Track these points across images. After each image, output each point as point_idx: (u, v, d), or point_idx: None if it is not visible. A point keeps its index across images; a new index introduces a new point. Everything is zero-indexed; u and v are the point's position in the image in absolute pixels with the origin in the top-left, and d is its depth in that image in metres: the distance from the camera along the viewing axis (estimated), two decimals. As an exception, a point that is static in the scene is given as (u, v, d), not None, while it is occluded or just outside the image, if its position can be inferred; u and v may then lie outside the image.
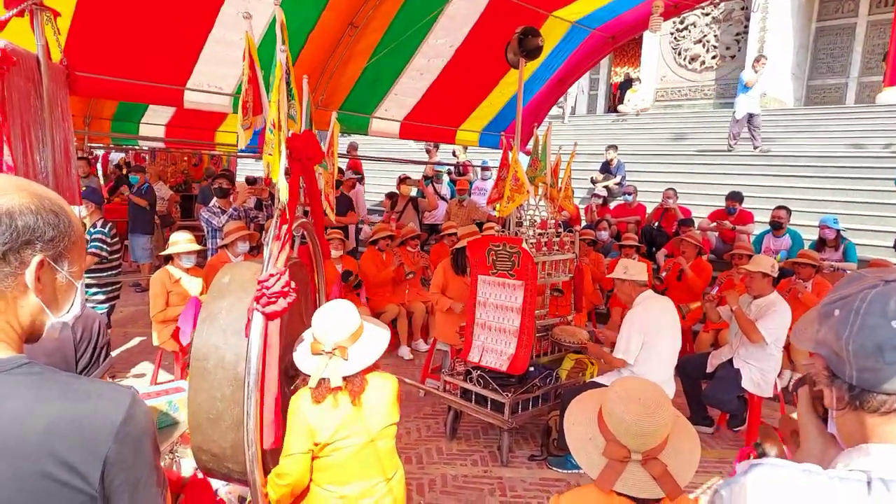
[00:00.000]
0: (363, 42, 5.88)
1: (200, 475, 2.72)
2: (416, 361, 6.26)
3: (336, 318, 2.23)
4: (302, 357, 2.27)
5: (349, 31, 5.72)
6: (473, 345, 4.46)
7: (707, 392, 4.66)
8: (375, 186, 12.18)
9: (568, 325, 4.80)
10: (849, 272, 5.96)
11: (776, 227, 6.88)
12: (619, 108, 16.37)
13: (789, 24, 14.70)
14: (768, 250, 6.82)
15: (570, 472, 4.10)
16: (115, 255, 5.59)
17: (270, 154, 2.38)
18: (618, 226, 8.42)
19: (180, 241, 5.01)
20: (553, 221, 4.82)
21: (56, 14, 2.69)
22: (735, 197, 7.63)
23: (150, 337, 5.30)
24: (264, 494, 2.18)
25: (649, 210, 8.55)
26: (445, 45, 6.26)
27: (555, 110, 12.88)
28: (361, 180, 10.66)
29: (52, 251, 1.00)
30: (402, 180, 9.19)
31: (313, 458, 2.20)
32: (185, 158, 11.35)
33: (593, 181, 10.48)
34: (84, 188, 5.36)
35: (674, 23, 16.62)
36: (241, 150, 10.26)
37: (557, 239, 4.69)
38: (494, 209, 5.82)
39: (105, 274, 5.41)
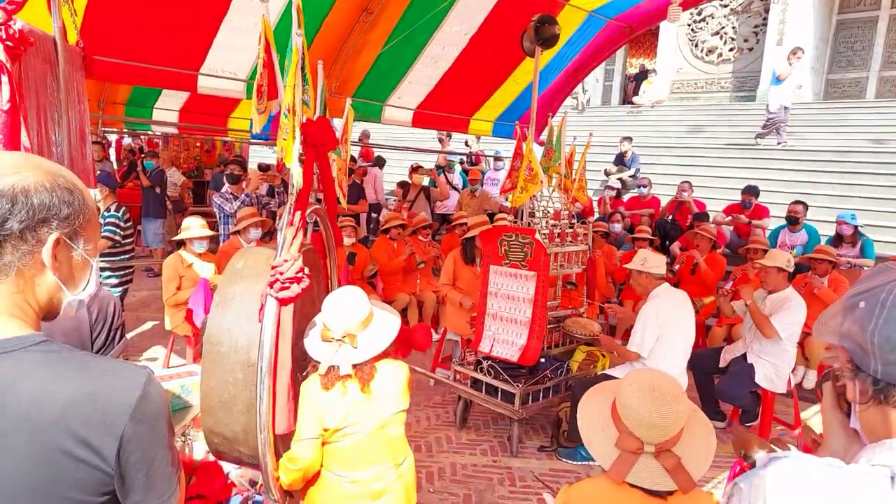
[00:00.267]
0: (377, 29, 5.85)
1: (212, 458, 2.74)
2: (427, 351, 6.26)
3: (346, 305, 2.22)
4: (312, 343, 2.27)
5: (364, 17, 5.69)
6: (484, 335, 4.45)
7: (720, 387, 4.63)
8: (387, 175, 12.14)
9: (580, 316, 4.78)
10: (865, 268, 5.90)
11: (792, 221, 6.80)
12: (635, 99, 16.20)
13: (810, 17, 14.45)
14: (784, 245, 6.74)
15: (580, 463, 4.09)
16: (129, 240, 5.62)
17: (285, 139, 2.37)
18: (631, 218, 8.35)
19: (193, 227, 5.03)
20: (566, 212, 4.79)
21: (73, -4, 2.70)
22: (751, 191, 7.55)
23: (162, 321, 5.34)
24: (276, 479, 2.19)
25: (663, 203, 8.47)
26: (460, 32, 6.21)
27: (568, 100, 12.78)
28: (382, 164, 10.68)
29: (67, 229, 1.00)
30: (415, 169, 9.17)
31: (323, 444, 2.20)
32: (198, 144, 11.39)
33: (607, 173, 10.40)
34: (98, 172, 5.39)
35: (691, 14, 16.40)
36: (254, 137, 10.32)
37: (570, 230, 4.66)
38: (507, 199, 5.79)
39: (118, 258, 5.44)
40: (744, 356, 4.51)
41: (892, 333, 0.86)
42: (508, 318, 4.34)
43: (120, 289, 5.49)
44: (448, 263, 5.55)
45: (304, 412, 2.17)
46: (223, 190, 6.94)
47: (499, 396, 4.24)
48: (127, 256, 5.60)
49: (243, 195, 6.71)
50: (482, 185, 9.08)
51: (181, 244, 5.11)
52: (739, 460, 1.90)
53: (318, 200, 2.98)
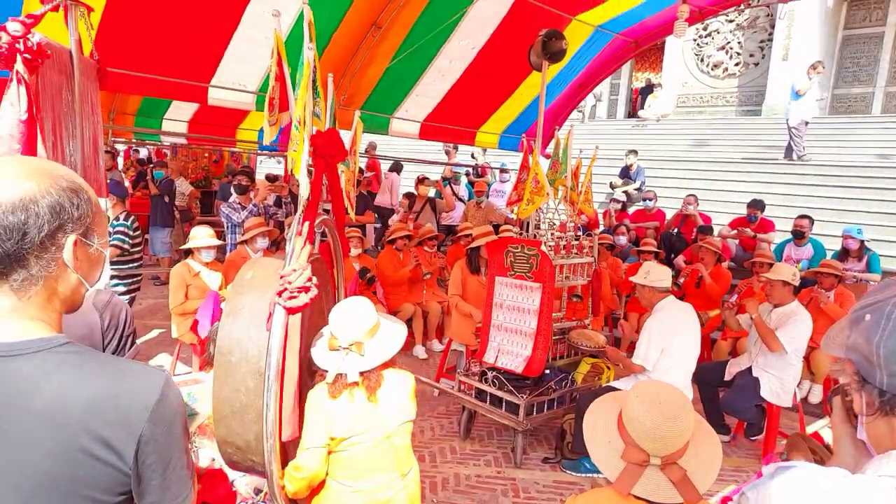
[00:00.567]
0: (386, 43, 5.91)
1: (216, 466, 2.75)
2: (431, 361, 6.27)
3: (353, 314, 2.25)
4: (319, 352, 2.29)
5: (373, 31, 5.75)
6: (489, 346, 4.46)
7: (725, 400, 4.62)
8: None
9: (585, 328, 4.78)
10: (871, 282, 5.88)
11: (798, 236, 6.80)
12: (640, 113, 16.27)
13: (815, 32, 14.51)
14: (789, 259, 6.74)
15: (583, 475, 4.08)
16: (137, 248, 5.67)
17: (295, 150, 2.41)
18: (636, 231, 8.36)
19: (201, 236, 5.07)
20: (572, 225, 4.81)
21: (90, 9, 2.74)
22: (756, 205, 7.55)
23: (168, 329, 5.37)
24: (281, 487, 2.20)
25: (668, 216, 8.48)
26: (468, 46, 6.27)
27: (574, 113, 12.81)
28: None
29: (82, 228, 1.03)
30: (421, 181, 9.22)
31: (329, 453, 2.22)
32: (206, 155, 11.49)
33: (612, 186, 10.42)
34: (108, 181, 5.45)
35: (697, 29, 16.49)
36: (262, 148, 10.40)
37: (576, 242, 4.68)
38: (513, 211, 5.82)
39: (126, 266, 5.49)
40: (749, 370, 4.50)
41: None
42: (514, 329, 4.35)
43: (127, 297, 5.52)
44: (455, 273, 5.57)
45: (310, 420, 2.19)
46: (231, 200, 6.99)
47: (503, 407, 4.24)
48: (135, 265, 5.65)
49: (251, 205, 6.76)
50: (488, 197, 9.11)
51: (189, 253, 5.14)
52: (777, 459, 1.88)
53: (326, 211, 3.02)
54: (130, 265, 5.56)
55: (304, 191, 2.36)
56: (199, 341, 4.72)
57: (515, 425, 4.13)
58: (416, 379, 2.50)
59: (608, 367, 4.65)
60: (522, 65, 5.42)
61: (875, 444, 0.94)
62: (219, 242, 5.22)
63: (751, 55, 16.11)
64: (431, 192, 9.30)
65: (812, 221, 6.89)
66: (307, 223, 2.33)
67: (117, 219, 5.42)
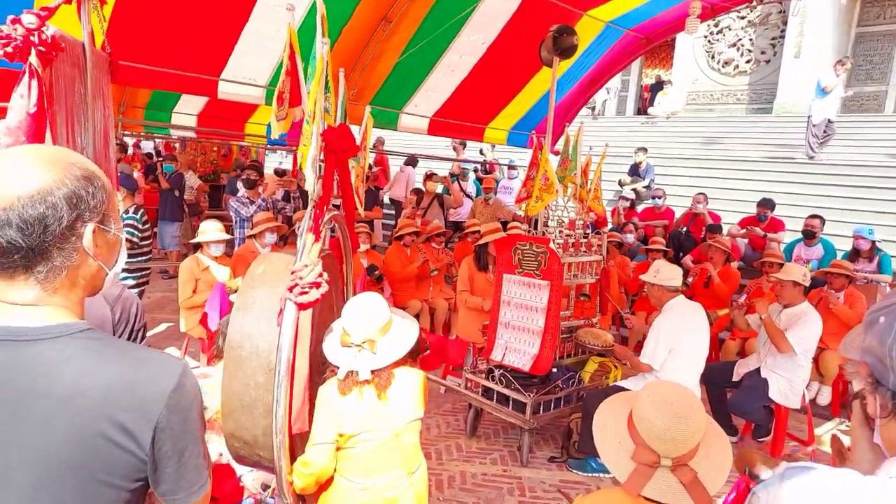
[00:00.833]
0: (396, 37, 5.89)
1: (224, 461, 2.76)
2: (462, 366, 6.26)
3: (366, 311, 2.24)
4: (331, 348, 2.29)
5: (383, 25, 5.74)
6: (496, 343, 4.45)
7: (733, 401, 4.59)
8: (401, 182, 12.19)
9: (593, 327, 4.77)
10: (882, 283, 5.82)
11: (809, 236, 6.74)
12: (650, 110, 16.17)
13: (828, 30, 14.37)
14: (799, 259, 6.69)
15: (590, 475, 4.07)
16: (146, 242, 5.69)
17: (304, 145, 2.40)
18: (645, 229, 8.32)
19: (210, 230, 5.08)
20: (581, 222, 4.79)
21: (102, 2, 2.74)
22: (766, 204, 7.50)
23: (177, 323, 5.39)
24: (290, 483, 2.20)
25: (678, 214, 8.44)
26: (478, 41, 6.25)
27: (583, 110, 12.75)
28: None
29: (98, 216, 1.03)
30: (429, 177, 9.21)
31: (338, 450, 2.22)
32: (215, 149, 11.52)
33: (621, 183, 10.38)
34: (119, 174, 5.47)
35: (708, 26, 16.37)
36: (270, 143, 10.42)
37: (585, 240, 4.66)
38: (522, 208, 5.80)
39: (135, 260, 5.51)
40: (757, 370, 4.47)
41: None
42: (521, 327, 4.34)
43: (136, 290, 5.54)
44: (464, 270, 5.56)
45: (320, 417, 2.19)
46: (240, 194, 7.01)
47: (510, 405, 4.24)
48: (144, 258, 5.67)
49: (259, 199, 6.77)
50: (496, 194, 9.09)
51: (198, 247, 5.16)
52: (743, 477, 1.90)
53: (336, 207, 3.01)
54: (140, 259, 5.58)
55: (310, 186, 2.35)
56: (207, 335, 4.73)
57: (522, 424, 4.13)
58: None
59: (616, 366, 4.64)
60: (532, 60, 5.40)
61: (889, 447, 0.94)
62: (228, 237, 5.23)
63: (762, 52, 15.98)
64: (439, 189, 9.29)
65: (823, 221, 6.83)
66: (318, 219, 2.33)
67: (126, 212, 5.44)
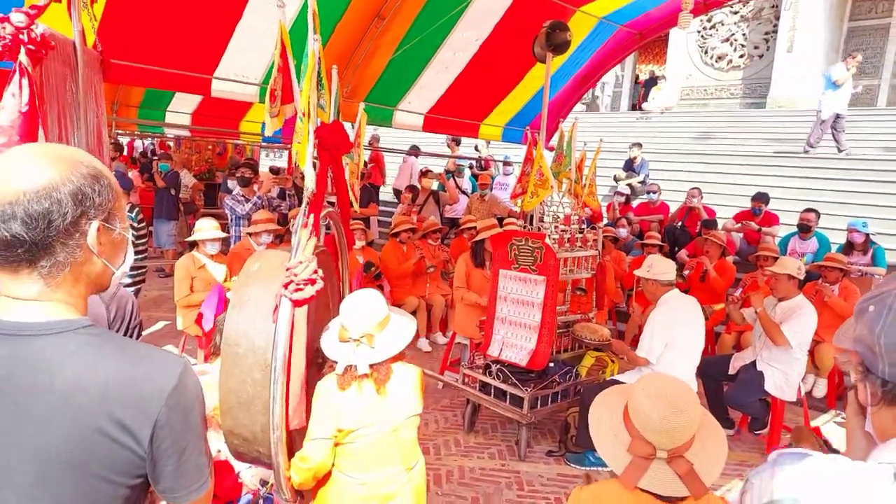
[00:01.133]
0: (389, 34, 5.88)
1: (222, 457, 2.76)
2: (435, 354, 6.28)
3: (364, 306, 2.25)
4: (329, 344, 2.29)
5: (376, 22, 5.73)
6: (493, 339, 4.46)
7: (729, 394, 4.62)
8: (394, 179, 12.17)
9: (589, 322, 4.78)
10: (876, 276, 5.85)
11: (804, 229, 6.77)
12: (644, 105, 16.20)
13: (821, 24, 14.42)
14: (794, 253, 6.72)
15: (587, 468, 4.09)
16: (142, 241, 5.68)
17: (299, 142, 2.40)
18: (640, 224, 8.34)
19: (206, 228, 5.07)
20: (576, 217, 4.80)
21: (93, 0, 2.73)
22: (761, 198, 7.52)
23: (173, 321, 5.38)
24: (287, 478, 2.20)
25: (673, 209, 8.46)
26: (471, 38, 6.24)
27: (578, 106, 12.76)
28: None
29: (104, 214, 1.03)
30: (424, 173, 9.20)
31: (336, 445, 2.22)
32: (210, 147, 11.48)
33: (616, 179, 10.39)
34: (113, 172, 5.46)
35: (701, 21, 16.41)
36: (265, 140, 10.39)
37: (580, 235, 4.67)
38: (517, 204, 5.80)
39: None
40: (753, 364, 4.49)
41: None
42: (518, 323, 4.35)
43: (132, 288, 5.53)
44: (460, 266, 5.57)
45: (318, 412, 2.19)
46: (235, 192, 7.00)
47: (507, 400, 4.24)
48: (140, 257, 5.66)
49: (255, 197, 6.76)
50: (491, 190, 9.09)
51: (193, 245, 5.15)
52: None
53: (331, 204, 3.01)
54: (135, 257, 5.55)
55: (309, 183, 2.35)
56: (203, 333, 4.73)
57: (519, 418, 4.14)
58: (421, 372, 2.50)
59: (612, 361, 4.65)
60: (526, 56, 5.40)
61: (879, 434, 0.96)
62: (224, 235, 5.22)
63: (755, 47, 16.03)
64: (434, 185, 9.29)
65: (818, 215, 6.86)
66: (312, 215, 2.32)
67: (121, 211, 5.41)
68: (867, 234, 6.32)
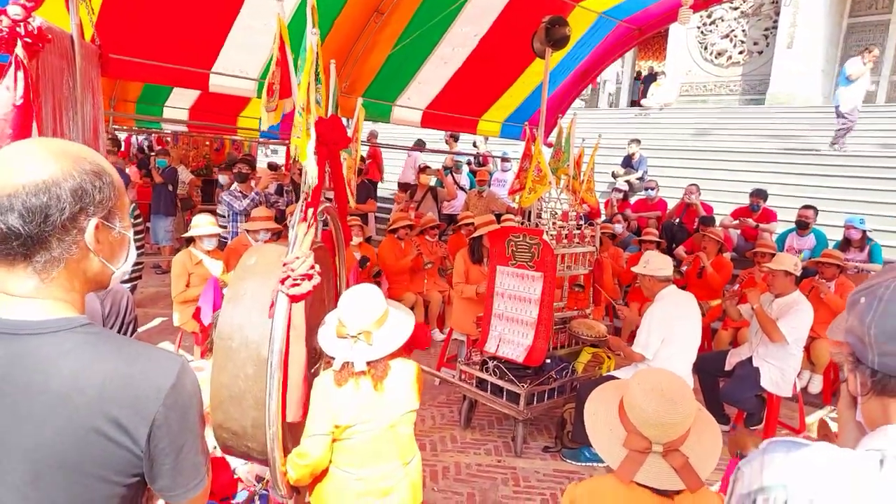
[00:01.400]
0: (388, 29, 5.87)
1: (219, 453, 2.76)
2: (432, 350, 6.28)
3: (362, 302, 2.24)
4: (326, 340, 2.29)
5: (375, 17, 5.72)
6: (490, 335, 4.46)
7: (725, 390, 4.63)
8: (393, 175, 12.17)
9: (586, 318, 4.78)
10: (873, 273, 5.87)
11: (802, 226, 6.77)
12: (643, 101, 16.18)
13: (820, 20, 14.40)
14: (791, 249, 6.73)
15: (584, 464, 4.10)
16: (138, 237, 5.67)
17: (298, 137, 2.39)
18: (638, 221, 8.34)
19: (202, 224, 5.07)
20: (574, 214, 4.80)
21: (89, -6, 2.72)
22: (759, 194, 7.53)
23: (170, 318, 5.38)
24: (283, 474, 2.21)
25: (671, 205, 8.46)
26: (470, 33, 6.23)
27: (576, 102, 12.75)
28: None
29: (103, 212, 1.03)
30: (422, 169, 9.19)
31: (333, 441, 2.22)
32: (207, 143, 11.46)
33: (614, 175, 10.39)
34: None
35: (701, 17, 16.37)
36: (263, 136, 10.37)
37: (578, 231, 4.67)
38: (515, 200, 5.80)
39: (128, 254, 5.48)
40: (749, 360, 4.50)
41: (887, 326, 0.90)
42: (514, 319, 4.35)
43: (129, 285, 5.53)
44: (458, 262, 5.57)
45: (315, 408, 2.19)
46: (233, 188, 6.99)
47: (504, 396, 4.25)
48: (136, 253, 5.64)
49: (253, 193, 6.75)
50: (489, 186, 9.09)
51: (190, 241, 5.14)
52: (736, 460, 1.92)
53: (329, 199, 3.00)
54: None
55: (311, 178, 2.34)
56: (200, 329, 4.73)
57: (516, 414, 4.15)
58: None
59: (609, 357, 4.66)
60: (525, 52, 5.39)
61: (869, 424, 0.97)
62: (220, 230, 5.21)
63: (755, 43, 16.00)
64: (432, 181, 9.28)
65: (816, 212, 6.86)
66: (310, 210, 2.32)
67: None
68: (864, 231, 6.33)
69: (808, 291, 5.10)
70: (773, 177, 9.72)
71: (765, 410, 4.57)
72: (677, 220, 7.98)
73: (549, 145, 5.39)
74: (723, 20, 16.44)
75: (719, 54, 16.60)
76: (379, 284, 6.27)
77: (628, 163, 10.40)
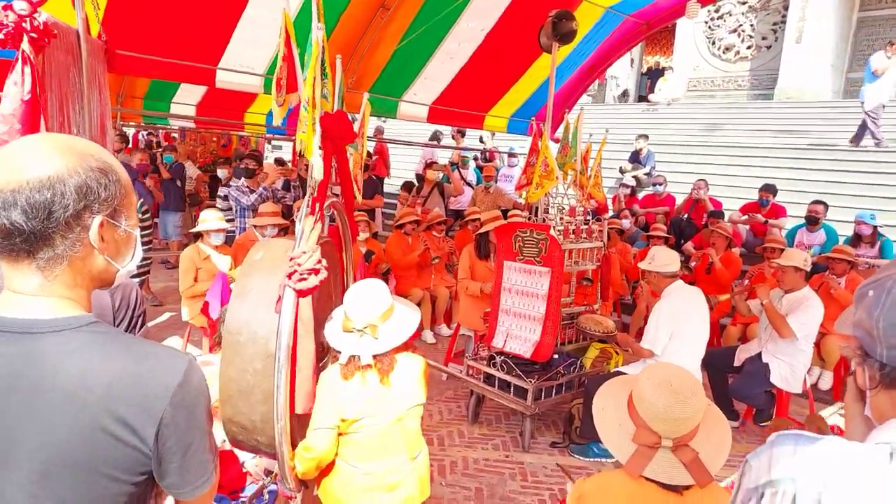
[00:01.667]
0: (394, 25, 5.86)
1: (227, 447, 2.77)
2: (439, 345, 6.28)
3: (368, 296, 2.24)
4: (333, 334, 2.29)
5: (380, 13, 5.71)
6: (498, 330, 4.45)
7: (734, 386, 4.60)
8: (398, 171, 12.17)
9: (594, 313, 4.77)
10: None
11: (812, 221, 6.72)
12: (650, 97, 16.08)
13: (830, 14, 14.26)
14: (801, 245, 6.68)
15: (592, 460, 4.09)
16: (146, 232, 5.69)
17: (304, 132, 2.38)
18: (646, 216, 8.30)
19: (210, 219, 5.08)
20: (582, 209, 4.78)
21: (96, -11, 2.73)
22: (768, 189, 7.47)
23: (178, 312, 5.40)
24: (291, 468, 2.21)
25: (679, 201, 8.42)
26: (476, 28, 6.20)
27: (583, 98, 12.68)
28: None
29: (108, 209, 1.01)
30: (429, 165, 9.18)
31: (340, 435, 2.22)
32: (214, 139, 11.49)
33: (622, 171, 10.34)
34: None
35: (709, 11, 16.25)
36: (270, 131, 10.38)
37: (585, 227, 4.65)
38: (522, 195, 5.78)
39: (137, 250, 5.51)
40: (759, 355, 4.47)
41: (895, 319, 0.89)
42: (522, 314, 4.34)
43: (138, 280, 5.56)
44: (464, 258, 5.57)
45: (322, 401, 2.19)
46: (240, 183, 7.01)
47: (511, 392, 4.24)
48: (145, 248, 5.67)
49: (260, 188, 6.76)
50: (496, 182, 9.07)
51: (198, 236, 5.16)
52: None
53: (335, 194, 3.00)
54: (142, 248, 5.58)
55: (317, 172, 2.34)
56: (209, 324, 4.74)
57: (524, 410, 4.14)
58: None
59: (617, 352, 4.64)
60: (532, 47, 5.36)
61: (877, 417, 0.96)
62: (228, 225, 5.23)
63: (763, 38, 15.88)
64: (439, 177, 9.27)
65: (826, 207, 6.81)
66: (317, 204, 2.32)
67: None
68: (875, 227, 6.28)
69: (818, 287, 5.06)
70: (782, 172, 9.65)
71: (774, 407, 4.54)
72: (685, 216, 7.94)
73: (556, 141, 5.36)
74: (730, 15, 16.32)
75: (727, 49, 16.48)
76: (387, 282, 6.28)
77: (636, 158, 10.35)
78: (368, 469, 2.25)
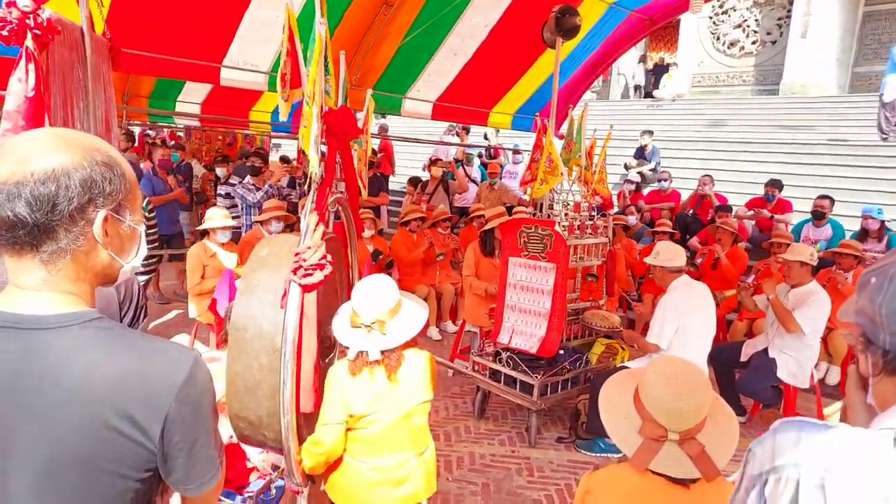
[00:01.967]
0: (397, 21, 5.85)
1: (234, 442, 2.78)
2: (445, 342, 6.28)
3: (375, 292, 2.24)
4: (341, 329, 2.29)
5: (384, 9, 5.70)
6: (503, 326, 4.45)
7: (741, 381, 4.58)
8: (402, 169, 12.17)
9: (599, 309, 4.76)
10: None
11: (818, 216, 6.68)
12: (655, 93, 16.02)
13: (835, 9, 14.17)
14: (807, 240, 6.64)
15: (598, 455, 4.08)
16: (153, 231, 5.71)
17: (305, 126, 2.39)
18: (651, 212, 8.28)
19: (216, 217, 5.10)
20: (586, 205, 4.76)
21: (100, -13, 2.74)
22: (774, 184, 7.44)
23: (186, 310, 5.41)
24: (298, 462, 2.21)
25: (684, 197, 8.39)
26: (480, 24, 6.19)
27: (588, 94, 12.67)
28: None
29: (113, 204, 1.01)
30: (433, 162, 9.18)
31: (348, 430, 2.22)
32: (220, 138, 11.50)
33: (627, 167, 10.32)
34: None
35: (713, 6, 16.19)
36: (275, 129, 10.39)
37: (590, 223, 4.64)
38: (526, 192, 5.77)
39: (142, 248, 5.52)
40: (765, 350, 4.45)
41: None
42: (527, 310, 4.34)
43: (144, 277, 5.58)
44: (469, 255, 5.56)
45: (329, 397, 2.19)
46: (246, 181, 7.03)
47: (517, 387, 4.24)
48: (151, 246, 5.69)
49: (266, 186, 6.78)
50: (500, 178, 9.06)
51: (205, 234, 5.18)
52: None
53: (340, 191, 3.00)
54: (147, 246, 5.60)
55: (314, 166, 2.34)
56: (216, 320, 4.76)
57: (530, 405, 4.14)
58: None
59: (623, 348, 4.63)
60: (536, 43, 5.35)
61: (880, 404, 0.96)
62: (234, 223, 5.24)
63: (768, 33, 15.80)
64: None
65: (832, 202, 6.77)
66: (321, 200, 2.32)
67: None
68: (882, 221, 6.24)
69: (824, 282, 5.03)
70: (787, 167, 9.61)
71: (781, 402, 4.52)
72: (691, 212, 7.91)
73: (561, 137, 5.35)
74: (735, 10, 16.25)
75: (732, 44, 16.41)
76: (390, 275, 6.28)
77: (641, 154, 10.32)
78: (376, 464, 2.26)
